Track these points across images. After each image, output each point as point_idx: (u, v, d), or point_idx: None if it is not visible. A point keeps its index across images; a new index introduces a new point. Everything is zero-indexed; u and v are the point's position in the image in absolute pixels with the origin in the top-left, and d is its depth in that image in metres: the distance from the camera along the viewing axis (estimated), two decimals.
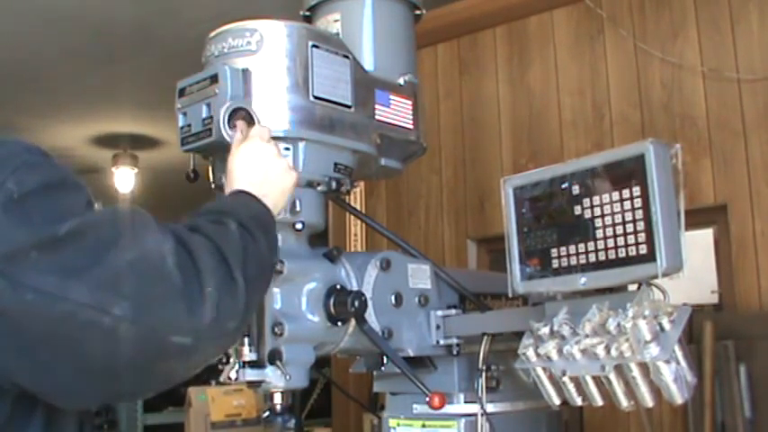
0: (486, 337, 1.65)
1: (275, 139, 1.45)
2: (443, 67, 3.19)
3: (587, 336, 1.40)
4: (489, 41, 3.08)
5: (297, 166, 1.54)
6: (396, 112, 1.73)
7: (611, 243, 1.40)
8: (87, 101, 4.86)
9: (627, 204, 1.38)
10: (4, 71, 4.27)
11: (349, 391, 2.63)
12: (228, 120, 1.45)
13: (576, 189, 1.46)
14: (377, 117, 1.69)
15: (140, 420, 5.31)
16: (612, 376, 1.38)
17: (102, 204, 1.06)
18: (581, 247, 1.44)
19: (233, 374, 1.48)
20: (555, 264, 1.47)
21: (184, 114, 1.55)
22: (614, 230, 1.40)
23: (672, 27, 2.63)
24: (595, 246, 1.42)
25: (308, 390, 3.60)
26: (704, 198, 2.49)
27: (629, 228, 1.38)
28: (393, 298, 1.64)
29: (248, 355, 1.46)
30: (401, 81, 1.76)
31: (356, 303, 1.53)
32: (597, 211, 1.43)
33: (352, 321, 1.56)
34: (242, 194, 1.28)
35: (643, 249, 1.36)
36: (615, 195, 1.40)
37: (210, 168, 1.62)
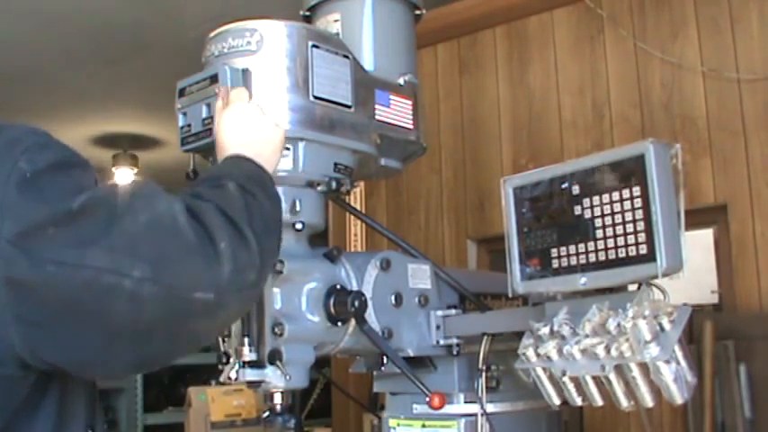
0: (486, 337, 1.65)
1: None
2: (443, 67, 3.18)
3: (587, 336, 1.40)
4: (489, 41, 3.08)
5: (297, 166, 1.54)
6: (396, 112, 1.73)
7: (611, 243, 1.40)
8: (87, 101, 4.85)
9: (627, 204, 1.38)
10: (4, 71, 4.26)
11: (349, 391, 2.63)
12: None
13: (576, 189, 1.46)
14: (377, 117, 1.69)
15: (140, 420, 5.30)
16: (612, 376, 1.38)
17: None
18: (581, 247, 1.44)
19: (233, 374, 1.48)
20: (555, 264, 1.47)
21: (184, 114, 1.55)
22: (614, 230, 1.40)
23: (672, 27, 2.63)
24: (595, 246, 1.42)
25: (308, 390, 3.59)
26: (704, 198, 2.49)
27: (629, 228, 1.38)
28: (393, 298, 1.64)
29: (248, 355, 1.46)
30: (401, 81, 1.76)
31: (356, 303, 1.53)
32: (597, 211, 1.43)
33: (352, 321, 1.56)
34: (234, 158, 1.30)
35: (643, 249, 1.36)
36: (615, 195, 1.40)
37: None
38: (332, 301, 1.54)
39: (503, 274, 1.56)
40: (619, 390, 1.39)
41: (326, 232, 3.03)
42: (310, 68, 1.56)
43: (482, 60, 3.09)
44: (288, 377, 1.47)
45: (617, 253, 1.39)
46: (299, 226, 1.54)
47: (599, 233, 1.42)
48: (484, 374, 1.65)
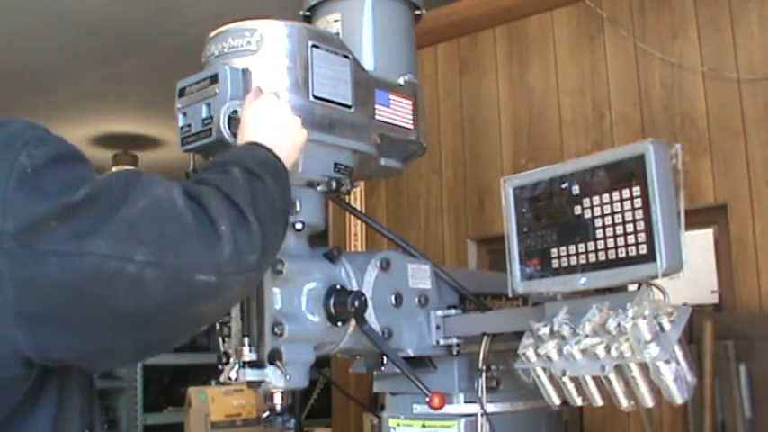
0: (486, 337, 1.65)
1: None
2: (443, 67, 3.19)
3: (587, 336, 1.40)
4: (489, 41, 3.08)
5: (297, 165, 1.54)
6: (396, 112, 1.73)
7: (611, 243, 1.40)
8: (87, 101, 4.85)
9: (627, 204, 1.38)
10: (4, 71, 4.26)
11: (349, 391, 2.64)
12: (229, 122, 1.45)
13: (575, 189, 1.46)
14: (377, 117, 1.69)
15: (140, 420, 5.30)
16: (612, 376, 1.38)
17: None
18: (581, 247, 1.44)
19: (233, 374, 1.48)
20: (555, 264, 1.47)
21: (184, 114, 1.55)
22: (614, 230, 1.40)
23: (672, 27, 2.63)
24: (595, 246, 1.42)
25: (308, 390, 3.59)
26: (704, 198, 2.49)
27: (629, 228, 1.38)
28: (393, 298, 1.64)
29: (248, 355, 1.46)
30: (401, 81, 1.76)
31: (356, 303, 1.53)
32: (597, 211, 1.43)
33: (352, 321, 1.56)
34: (251, 145, 1.31)
35: (643, 249, 1.36)
36: (615, 195, 1.40)
37: None
38: (332, 301, 1.54)
39: (503, 274, 1.56)
40: (619, 390, 1.39)
41: (326, 232, 3.03)
42: (310, 68, 1.56)
43: (482, 60, 3.09)
44: (288, 377, 1.47)
45: (617, 253, 1.39)
46: (299, 226, 1.54)
47: (599, 233, 1.42)
48: (484, 374, 1.65)
